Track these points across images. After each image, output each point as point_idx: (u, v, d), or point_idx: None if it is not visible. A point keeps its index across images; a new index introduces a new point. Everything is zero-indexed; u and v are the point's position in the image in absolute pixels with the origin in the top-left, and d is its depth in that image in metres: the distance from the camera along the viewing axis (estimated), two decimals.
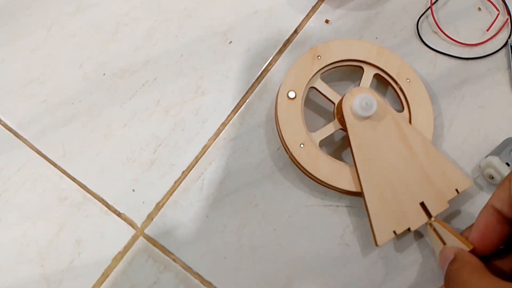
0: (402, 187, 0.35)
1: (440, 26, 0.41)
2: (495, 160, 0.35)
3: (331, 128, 0.37)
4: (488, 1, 0.41)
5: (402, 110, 0.38)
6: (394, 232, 0.34)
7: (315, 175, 0.35)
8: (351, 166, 0.36)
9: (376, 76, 0.38)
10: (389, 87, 0.39)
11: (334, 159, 0.36)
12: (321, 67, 0.37)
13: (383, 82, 0.39)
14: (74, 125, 0.39)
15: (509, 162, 0.35)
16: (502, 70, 0.40)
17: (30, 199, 0.37)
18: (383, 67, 0.38)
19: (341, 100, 0.36)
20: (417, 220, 0.34)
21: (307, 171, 0.36)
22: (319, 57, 0.37)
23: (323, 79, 0.38)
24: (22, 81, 0.40)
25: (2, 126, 0.39)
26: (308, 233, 0.36)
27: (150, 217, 0.37)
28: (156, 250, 0.36)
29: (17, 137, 0.39)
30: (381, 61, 0.38)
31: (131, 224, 0.37)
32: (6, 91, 0.40)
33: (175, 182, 0.37)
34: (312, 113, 0.39)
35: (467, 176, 0.35)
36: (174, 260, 0.36)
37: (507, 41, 0.40)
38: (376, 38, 0.41)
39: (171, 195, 0.37)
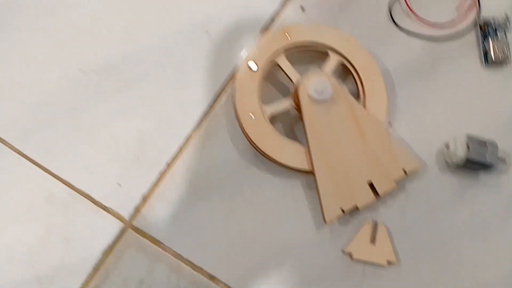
0: (351, 167, 0.36)
1: (411, 9, 0.42)
2: (463, 137, 0.36)
3: (284, 104, 0.38)
4: None
5: (358, 99, 0.39)
6: (342, 210, 0.35)
7: (259, 146, 0.36)
8: (295, 143, 0.37)
9: (342, 65, 0.39)
10: (350, 75, 0.39)
11: (281, 135, 0.37)
12: (287, 44, 0.38)
13: (345, 71, 0.40)
14: (56, 125, 0.39)
15: (471, 148, 0.36)
16: (473, 48, 0.41)
17: (16, 201, 0.37)
18: (347, 56, 0.38)
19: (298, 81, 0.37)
20: (364, 198, 0.35)
21: (253, 142, 0.36)
22: (288, 35, 0.38)
23: (288, 58, 0.38)
24: (0, 84, 0.40)
25: None
26: (290, 220, 0.37)
27: (138, 210, 0.37)
28: (146, 241, 0.36)
29: None
30: (346, 49, 0.38)
31: (119, 217, 0.37)
32: None
33: (160, 174, 0.38)
34: (274, 90, 0.40)
35: (416, 157, 0.36)
36: (164, 249, 0.36)
37: (476, 20, 0.41)
38: (351, 24, 0.41)
39: (156, 186, 0.37)
